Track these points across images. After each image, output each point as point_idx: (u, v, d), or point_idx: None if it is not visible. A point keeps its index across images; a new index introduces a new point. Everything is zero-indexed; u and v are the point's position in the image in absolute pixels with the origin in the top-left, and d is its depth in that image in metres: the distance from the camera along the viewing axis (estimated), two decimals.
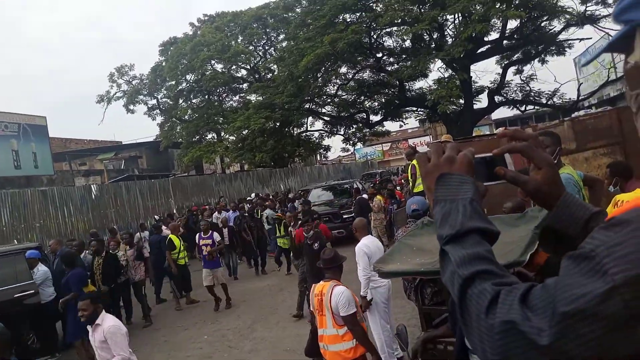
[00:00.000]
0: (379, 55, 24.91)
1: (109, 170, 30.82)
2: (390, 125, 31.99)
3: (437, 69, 23.93)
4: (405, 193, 10.29)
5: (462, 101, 22.53)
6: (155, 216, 15.72)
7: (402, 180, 17.24)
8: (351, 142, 30.83)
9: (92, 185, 16.04)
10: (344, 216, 13.67)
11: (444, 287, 4.18)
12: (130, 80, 31.36)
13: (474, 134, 20.15)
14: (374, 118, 28.34)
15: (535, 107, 25.32)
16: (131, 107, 30.98)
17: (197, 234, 9.88)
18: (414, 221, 4.49)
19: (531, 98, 24.24)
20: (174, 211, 15.38)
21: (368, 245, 5.22)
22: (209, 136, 31.34)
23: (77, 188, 15.42)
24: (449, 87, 19.67)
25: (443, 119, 24.48)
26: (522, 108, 25.33)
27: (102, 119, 38.49)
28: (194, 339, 7.60)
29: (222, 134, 30.61)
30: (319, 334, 3.99)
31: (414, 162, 9.20)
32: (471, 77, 22.52)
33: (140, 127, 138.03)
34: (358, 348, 3.80)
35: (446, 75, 22.58)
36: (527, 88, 24.24)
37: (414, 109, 27.70)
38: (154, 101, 32.10)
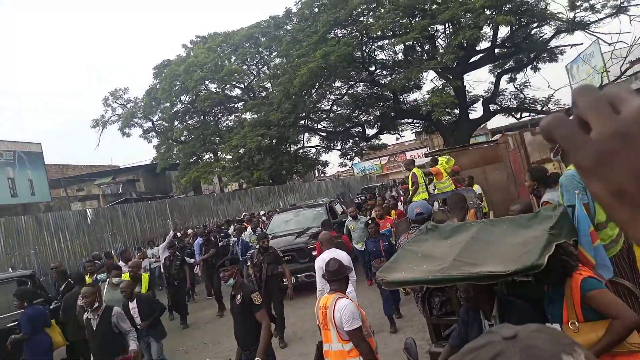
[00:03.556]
0: (372, 68, 24.99)
1: (107, 194, 30.61)
2: (387, 139, 32.04)
3: (431, 80, 24.04)
4: (407, 201, 10.08)
5: (457, 111, 22.53)
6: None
7: (401, 191, 17.03)
8: (348, 156, 30.84)
9: (87, 210, 15.82)
10: (314, 253, 8.68)
11: (453, 296, 3.98)
12: (125, 103, 31.40)
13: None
14: (370, 132, 28.37)
15: (531, 114, 25.35)
16: (127, 130, 30.93)
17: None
18: (418, 227, 4.32)
19: (526, 105, 24.26)
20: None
21: (324, 258, 4.87)
22: (206, 156, 31.31)
23: (72, 213, 15.21)
24: (442, 95, 19.68)
25: (439, 129, 24.45)
26: (518, 116, 25.35)
27: (98, 143, 38.15)
28: None
29: (219, 153, 30.53)
30: (324, 349, 3.79)
31: (415, 170, 9.43)
32: (465, 86, 22.55)
33: (137, 150, 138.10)
34: None
35: (439, 84, 22.66)
36: (522, 95, 24.28)
37: (410, 120, 27.70)
38: (149, 124, 32.07)
